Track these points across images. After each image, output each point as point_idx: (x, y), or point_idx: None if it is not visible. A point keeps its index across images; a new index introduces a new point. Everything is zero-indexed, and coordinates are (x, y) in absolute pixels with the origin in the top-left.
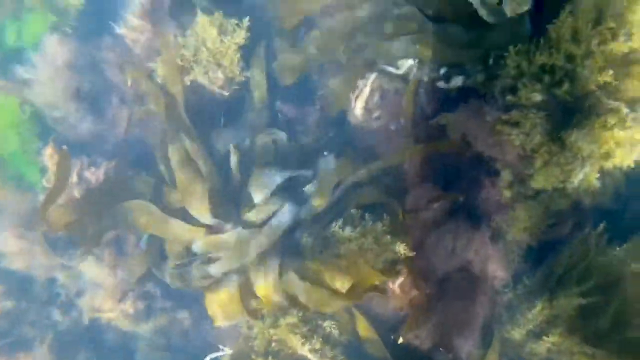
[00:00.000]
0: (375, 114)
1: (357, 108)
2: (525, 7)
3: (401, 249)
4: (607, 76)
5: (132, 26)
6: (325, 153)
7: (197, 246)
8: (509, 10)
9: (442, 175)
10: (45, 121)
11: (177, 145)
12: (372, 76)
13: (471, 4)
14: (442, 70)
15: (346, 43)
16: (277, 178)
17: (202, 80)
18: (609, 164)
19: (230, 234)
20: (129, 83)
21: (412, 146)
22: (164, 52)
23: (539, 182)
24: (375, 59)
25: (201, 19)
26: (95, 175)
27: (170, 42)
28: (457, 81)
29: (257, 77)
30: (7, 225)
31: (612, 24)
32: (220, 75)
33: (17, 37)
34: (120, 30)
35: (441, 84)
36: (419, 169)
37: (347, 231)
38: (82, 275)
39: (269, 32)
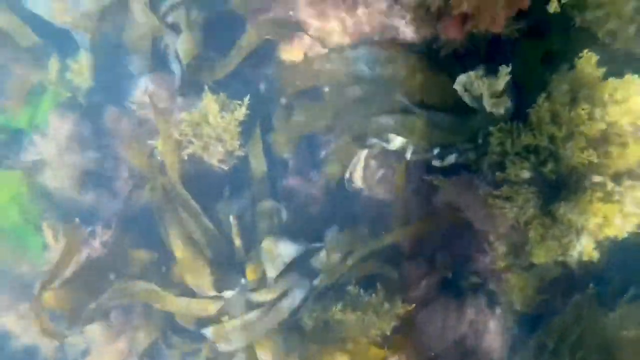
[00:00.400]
0: (374, 182)
1: (356, 178)
2: (502, 111)
3: (401, 309)
4: (589, 155)
5: (140, 103)
6: (330, 224)
7: (207, 332)
8: (487, 107)
9: (433, 248)
10: (48, 194)
11: (175, 222)
12: (364, 152)
13: (455, 90)
14: (436, 151)
15: (339, 117)
16: (291, 251)
17: (202, 154)
18: (602, 236)
19: (239, 318)
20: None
21: (404, 227)
22: (163, 129)
23: (538, 256)
24: (367, 133)
25: (207, 96)
26: (92, 247)
27: (170, 119)
28: (451, 159)
29: (256, 150)
30: (10, 302)
31: (586, 106)
32: (220, 149)
33: (30, 120)
34: (129, 106)
35: (436, 163)
36: (410, 245)
37: (349, 314)
38: (87, 337)
39: (269, 105)
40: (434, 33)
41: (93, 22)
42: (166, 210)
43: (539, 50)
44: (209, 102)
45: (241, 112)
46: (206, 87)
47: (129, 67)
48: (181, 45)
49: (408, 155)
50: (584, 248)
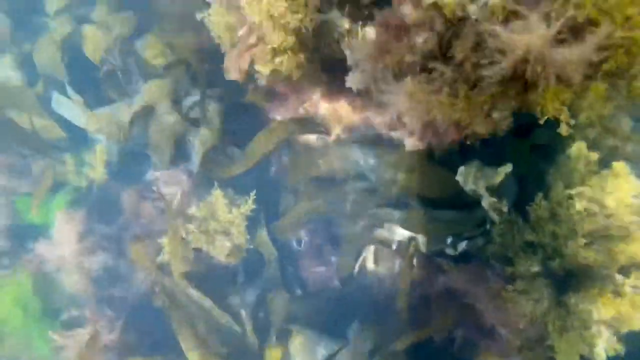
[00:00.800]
0: (385, 271)
1: (368, 267)
2: (497, 217)
3: None
4: (593, 252)
5: (156, 195)
6: (346, 313)
7: None
8: (485, 206)
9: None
10: (58, 294)
11: (184, 324)
12: (372, 247)
13: (455, 181)
14: (449, 240)
15: (347, 205)
16: (320, 351)
17: (209, 249)
18: (625, 329)
19: None
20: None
21: (410, 334)
22: (171, 228)
23: (562, 351)
24: (374, 224)
25: (216, 192)
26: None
27: (181, 214)
28: (462, 246)
29: (264, 241)
30: None
31: (582, 202)
32: (227, 244)
33: (45, 215)
34: (146, 197)
35: (450, 251)
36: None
37: None
38: None
39: (279, 188)
40: (435, 141)
41: (124, 131)
42: (174, 313)
43: (526, 144)
44: (217, 198)
45: (248, 207)
46: (216, 184)
47: (149, 161)
48: (200, 139)
49: (423, 248)
50: (608, 343)
